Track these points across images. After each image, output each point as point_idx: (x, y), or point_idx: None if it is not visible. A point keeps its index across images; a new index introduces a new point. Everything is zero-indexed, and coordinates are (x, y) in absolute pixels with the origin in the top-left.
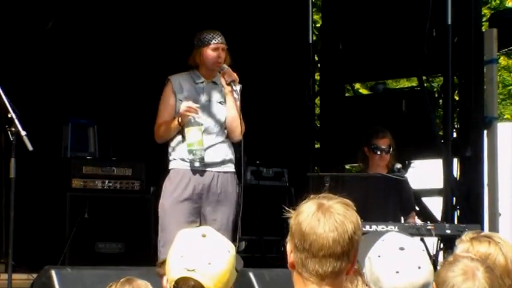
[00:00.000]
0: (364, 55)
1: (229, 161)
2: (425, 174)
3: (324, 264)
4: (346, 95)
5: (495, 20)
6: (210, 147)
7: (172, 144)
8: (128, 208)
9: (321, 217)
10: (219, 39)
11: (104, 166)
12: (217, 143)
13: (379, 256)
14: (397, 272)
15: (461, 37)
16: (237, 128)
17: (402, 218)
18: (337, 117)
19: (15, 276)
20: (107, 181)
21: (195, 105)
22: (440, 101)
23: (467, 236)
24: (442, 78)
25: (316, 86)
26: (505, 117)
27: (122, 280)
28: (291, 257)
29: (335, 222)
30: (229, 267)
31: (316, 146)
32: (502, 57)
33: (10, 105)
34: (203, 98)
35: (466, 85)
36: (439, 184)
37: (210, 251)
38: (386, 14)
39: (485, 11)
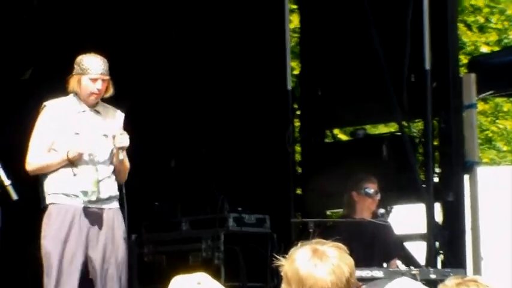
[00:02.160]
0: (343, 101)
1: (115, 197)
2: (407, 219)
3: None
4: (326, 140)
5: (474, 65)
6: (92, 181)
7: (53, 176)
8: None
9: (318, 261)
10: (100, 69)
11: None
12: (103, 179)
13: None
14: None
15: (440, 82)
16: (122, 176)
17: (384, 264)
18: (318, 163)
19: None
20: None
21: (88, 149)
22: (421, 145)
23: (451, 281)
24: (421, 123)
25: (296, 132)
26: (484, 161)
27: None
28: None
29: (332, 265)
30: None
31: (298, 192)
32: (478, 102)
33: None
34: (87, 130)
35: (446, 129)
36: (422, 229)
37: None
38: (364, 60)
39: (461, 56)
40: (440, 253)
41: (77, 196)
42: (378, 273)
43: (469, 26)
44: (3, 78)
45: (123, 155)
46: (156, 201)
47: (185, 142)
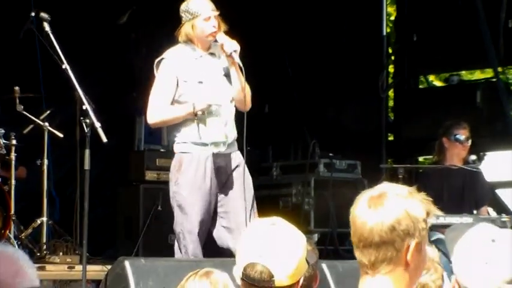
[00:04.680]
0: (439, 47)
1: (236, 140)
2: (500, 166)
3: (366, 255)
4: (420, 87)
5: None
6: (218, 128)
7: (181, 126)
8: None
9: (363, 207)
10: (209, 7)
11: None
12: (228, 123)
13: (469, 246)
14: (487, 263)
15: None
16: (242, 100)
17: (475, 211)
18: (411, 110)
19: (89, 267)
20: None
21: (213, 100)
22: None
23: None
24: None
25: (390, 78)
26: None
27: (200, 272)
28: None
29: (375, 211)
30: (300, 256)
31: (390, 138)
32: None
33: (85, 97)
34: (209, 74)
35: None
36: None
37: (280, 239)
38: (461, 5)
39: None
40: None
41: (206, 145)
42: (467, 219)
43: None
44: (101, 22)
45: (238, 59)
46: (248, 146)
47: (278, 87)
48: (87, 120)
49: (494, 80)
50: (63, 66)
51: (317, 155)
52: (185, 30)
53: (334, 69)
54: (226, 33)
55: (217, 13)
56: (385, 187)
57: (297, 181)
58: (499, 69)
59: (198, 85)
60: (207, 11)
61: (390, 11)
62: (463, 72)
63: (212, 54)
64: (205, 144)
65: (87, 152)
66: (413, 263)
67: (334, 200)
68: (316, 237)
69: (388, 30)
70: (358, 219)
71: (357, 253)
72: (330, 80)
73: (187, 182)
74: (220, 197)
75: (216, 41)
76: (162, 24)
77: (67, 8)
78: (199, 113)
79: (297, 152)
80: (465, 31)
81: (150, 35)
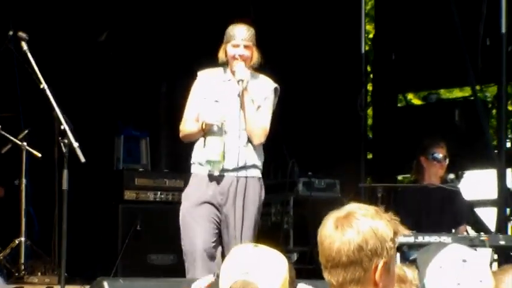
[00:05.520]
0: (417, 65)
1: (252, 166)
2: (479, 185)
3: (334, 275)
4: (399, 105)
5: None
6: (231, 150)
7: (195, 146)
8: None
9: (331, 227)
10: (242, 35)
11: (156, 178)
12: (240, 146)
13: (440, 267)
14: (459, 284)
15: None
16: (251, 131)
17: (453, 230)
18: (390, 128)
19: (68, 287)
20: (159, 193)
21: (220, 119)
22: (494, 110)
23: None
24: (495, 88)
25: (368, 97)
26: None
27: None
28: None
29: (341, 231)
30: (285, 275)
31: (369, 156)
32: None
33: (63, 117)
34: (228, 97)
35: None
36: (493, 195)
37: (265, 258)
38: (439, 24)
39: None
40: (511, 219)
41: (202, 165)
42: (446, 239)
43: None
44: (80, 40)
45: (242, 87)
46: None
47: None
48: (66, 140)
49: (472, 98)
50: (41, 86)
51: (296, 174)
52: (221, 52)
53: (312, 87)
54: (256, 69)
55: (249, 43)
56: (352, 207)
57: (276, 200)
58: (477, 87)
59: (213, 103)
60: (238, 39)
61: (369, 29)
62: (442, 90)
63: (242, 80)
64: (201, 164)
65: (65, 172)
66: (382, 283)
67: (313, 218)
68: (295, 256)
69: (367, 48)
70: (326, 240)
71: (325, 274)
72: (308, 98)
73: (189, 202)
74: (222, 221)
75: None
76: (142, 42)
77: (45, 28)
78: (206, 126)
79: (276, 171)
80: (443, 50)
81: (129, 54)
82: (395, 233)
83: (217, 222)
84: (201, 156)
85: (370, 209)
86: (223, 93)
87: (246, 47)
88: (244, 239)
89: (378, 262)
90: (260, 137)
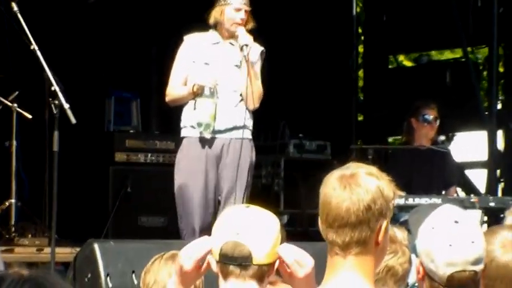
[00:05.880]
0: (408, 27)
1: (243, 127)
2: (469, 146)
3: (341, 235)
4: (390, 67)
5: None
6: (222, 112)
7: (185, 109)
8: (171, 182)
9: (337, 187)
10: (243, 0)
11: (147, 140)
12: (230, 108)
13: (432, 228)
14: (450, 245)
15: (507, 8)
16: (249, 96)
17: (443, 191)
18: (381, 90)
19: (58, 249)
20: (149, 155)
21: (212, 81)
22: (485, 72)
23: None
24: (487, 50)
25: (359, 58)
26: None
27: (165, 255)
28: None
29: (350, 190)
30: (276, 236)
31: (360, 118)
32: None
33: (53, 78)
34: (219, 60)
35: (511, 56)
36: (483, 156)
37: (256, 219)
38: None
39: None
40: (501, 181)
41: (194, 127)
42: (436, 200)
43: None
44: (70, 1)
45: (245, 52)
46: None
47: None
48: (56, 101)
49: (463, 60)
50: (32, 47)
51: (287, 135)
52: (214, 13)
53: (303, 49)
54: (250, 31)
55: (248, 8)
56: (355, 166)
57: (267, 162)
58: (468, 49)
59: (203, 66)
60: (240, 3)
61: None
62: (433, 52)
63: (231, 44)
64: (193, 127)
65: (55, 133)
66: (382, 244)
67: (304, 180)
68: (285, 218)
69: (358, 10)
70: (334, 200)
71: (330, 233)
72: (299, 61)
73: (183, 173)
74: (218, 182)
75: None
76: (132, 5)
77: None
78: (198, 89)
79: (266, 133)
80: (434, 11)
81: (119, 16)
82: (394, 194)
83: (213, 190)
84: (191, 119)
85: (372, 168)
86: (213, 56)
87: (246, 11)
88: (237, 199)
89: (382, 222)
90: (258, 100)
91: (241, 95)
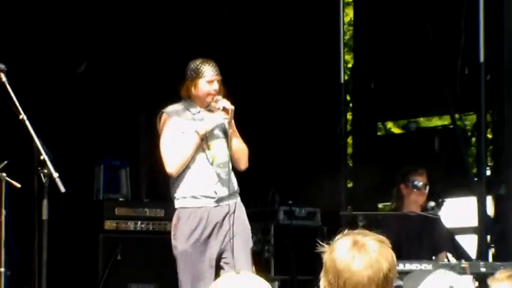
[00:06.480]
0: (396, 94)
1: (237, 192)
2: (459, 212)
3: None
4: (379, 134)
5: None
6: (221, 179)
7: (178, 181)
8: (161, 249)
9: (356, 254)
10: (214, 71)
11: (136, 207)
12: (225, 175)
13: None
14: None
15: (494, 74)
16: (241, 156)
17: (434, 257)
18: (370, 156)
19: None
20: (139, 222)
21: (212, 125)
22: (474, 138)
23: (501, 274)
24: (474, 116)
25: (348, 126)
26: None
27: None
28: None
29: (370, 259)
30: None
31: (349, 185)
32: None
33: (43, 147)
34: (202, 124)
35: (499, 123)
36: (473, 222)
37: (249, 285)
38: (418, 53)
39: None
40: (492, 247)
41: (203, 198)
42: (427, 266)
43: None
44: (59, 71)
45: (228, 118)
46: None
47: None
48: (45, 171)
49: (451, 126)
50: (21, 117)
51: (276, 202)
52: (188, 87)
53: (293, 116)
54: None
55: (220, 78)
56: (364, 234)
57: (257, 229)
58: (456, 116)
59: (194, 133)
60: (211, 75)
61: (348, 58)
62: (421, 119)
63: (210, 111)
64: (196, 198)
65: (45, 202)
66: None
67: (294, 247)
68: (276, 285)
69: (346, 77)
70: (352, 267)
71: None
72: (289, 127)
73: (185, 239)
74: (222, 249)
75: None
76: (121, 72)
77: (24, 58)
78: (205, 131)
79: (256, 199)
80: (422, 79)
81: (108, 83)
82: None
83: (216, 259)
84: (189, 187)
85: (378, 235)
86: (200, 124)
87: (218, 81)
88: (244, 267)
89: None
90: (247, 161)
91: (218, 165)
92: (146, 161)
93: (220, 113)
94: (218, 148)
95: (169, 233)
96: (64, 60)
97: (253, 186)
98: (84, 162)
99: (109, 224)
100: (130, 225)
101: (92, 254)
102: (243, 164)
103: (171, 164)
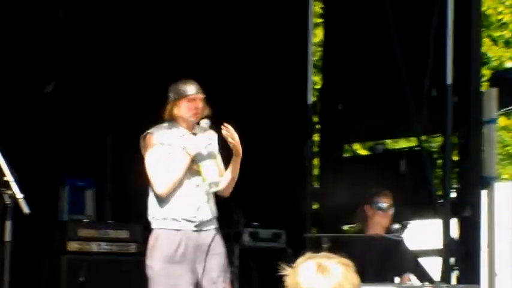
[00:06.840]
0: (364, 116)
1: (216, 218)
2: (424, 234)
3: None
4: (345, 155)
5: (496, 79)
6: (202, 204)
7: (159, 202)
8: (124, 271)
9: (320, 277)
10: (195, 89)
11: (100, 229)
12: (207, 200)
13: None
14: None
15: (461, 97)
16: (232, 186)
17: (397, 279)
18: (336, 178)
19: None
20: (103, 244)
21: (201, 146)
22: (439, 160)
23: None
24: (441, 138)
25: (315, 147)
26: (504, 177)
27: None
28: None
29: (334, 283)
30: None
31: (314, 207)
32: (501, 118)
33: (7, 167)
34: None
35: (465, 145)
36: (437, 244)
37: None
38: (385, 75)
39: (485, 71)
40: (455, 269)
41: (183, 221)
42: None
43: (494, 41)
44: (26, 91)
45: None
46: None
47: None
48: (9, 192)
49: (417, 148)
50: None
51: (241, 224)
52: (169, 108)
53: (259, 138)
54: (208, 116)
55: (203, 96)
56: (327, 256)
57: None
58: (423, 137)
59: (184, 153)
60: (194, 93)
61: (316, 79)
62: (388, 141)
63: (195, 134)
64: (176, 220)
65: (8, 223)
66: None
67: (259, 269)
68: None
69: (314, 99)
70: None
71: None
72: (254, 149)
73: (161, 257)
74: (200, 273)
75: (198, 123)
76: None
77: None
78: (195, 151)
79: (222, 221)
80: (390, 101)
81: (75, 104)
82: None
83: (190, 279)
84: (169, 209)
85: (343, 259)
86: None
87: (200, 99)
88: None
89: None
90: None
91: (209, 185)
92: (112, 182)
93: (207, 134)
94: (207, 170)
95: (132, 254)
96: (31, 80)
97: (219, 208)
98: (49, 183)
99: (72, 246)
100: (94, 246)
101: (55, 276)
102: (229, 192)
103: (160, 184)
